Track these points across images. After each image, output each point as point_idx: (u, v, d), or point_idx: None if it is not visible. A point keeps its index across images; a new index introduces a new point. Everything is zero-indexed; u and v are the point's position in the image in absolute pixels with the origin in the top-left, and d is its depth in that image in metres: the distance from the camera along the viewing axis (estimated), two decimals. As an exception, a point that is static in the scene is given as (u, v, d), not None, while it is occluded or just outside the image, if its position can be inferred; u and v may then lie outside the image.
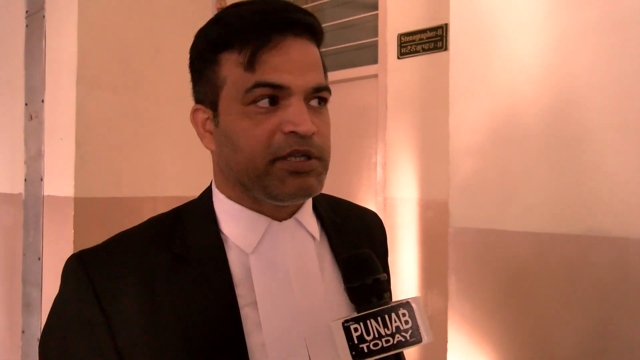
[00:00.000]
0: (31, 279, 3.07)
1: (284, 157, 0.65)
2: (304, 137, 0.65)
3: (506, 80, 1.35)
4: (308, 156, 0.66)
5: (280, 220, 0.72)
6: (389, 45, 2.68)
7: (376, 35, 2.77)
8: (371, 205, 2.56)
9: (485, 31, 1.40)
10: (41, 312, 2.99)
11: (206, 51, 0.71)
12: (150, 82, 2.95)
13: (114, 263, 0.68)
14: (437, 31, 2.46)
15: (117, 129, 2.82)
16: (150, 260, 0.68)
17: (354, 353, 0.57)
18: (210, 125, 0.73)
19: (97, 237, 2.72)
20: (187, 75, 2.74)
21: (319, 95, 0.69)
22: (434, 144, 2.42)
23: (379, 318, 0.59)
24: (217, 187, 0.75)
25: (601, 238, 1.17)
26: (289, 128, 0.65)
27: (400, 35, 2.63)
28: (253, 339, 0.66)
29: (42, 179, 2.98)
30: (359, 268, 0.64)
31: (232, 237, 0.71)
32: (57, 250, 2.86)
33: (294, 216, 0.74)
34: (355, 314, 0.60)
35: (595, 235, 1.18)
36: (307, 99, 0.67)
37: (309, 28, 0.69)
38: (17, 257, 3.28)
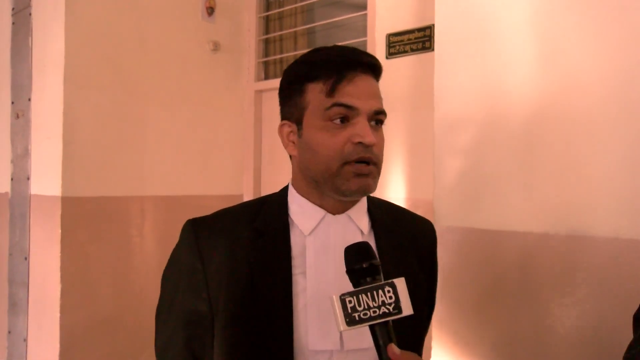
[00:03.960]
0: (17, 279, 3.05)
1: (351, 162, 0.87)
2: (367, 147, 0.87)
3: (491, 81, 1.36)
4: (368, 162, 0.88)
5: (334, 214, 0.94)
6: (377, 45, 2.69)
7: (365, 35, 2.78)
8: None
9: (470, 32, 1.40)
10: (27, 312, 2.96)
11: (295, 82, 0.93)
12: (137, 81, 2.94)
13: (212, 230, 0.95)
14: (425, 31, 2.47)
15: (105, 128, 2.80)
16: (237, 231, 0.94)
17: (347, 320, 0.74)
18: (293, 137, 0.94)
19: (84, 236, 2.70)
20: (174, 74, 2.76)
21: (378, 117, 0.91)
22: (423, 143, 2.43)
23: (369, 293, 0.75)
24: (293, 185, 0.98)
25: (584, 237, 1.18)
26: (357, 139, 0.86)
27: (389, 35, 2.64)
28: (298, 300, 0.89)
29: (28, 178, 2.96)
30: (358, 254, 0.80)
31: (296, 221, 0.94)
32: (44, 249, 2.83)
33: (346, 212, 0.94)
34: (351, 290, 0.75)
35: (578, 235, 1.19)
36: (370, 119, 0.89)
37: (372, 67, 0.92)
38: (3, 256, 3.25)
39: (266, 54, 3.39)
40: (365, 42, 2.77)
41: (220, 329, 0.91)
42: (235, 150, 3.33)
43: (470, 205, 1.37)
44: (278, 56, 3.31)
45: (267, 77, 3.37)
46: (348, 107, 0.87)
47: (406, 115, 2.52)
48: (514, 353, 1.27)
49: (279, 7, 3.31)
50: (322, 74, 0.89)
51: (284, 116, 0.97)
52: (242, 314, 0.90)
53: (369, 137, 0.86)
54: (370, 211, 1.00)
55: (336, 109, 0.87)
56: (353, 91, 0.88)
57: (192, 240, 0.95)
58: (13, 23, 3.07)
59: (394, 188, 2.59)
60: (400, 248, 0.98)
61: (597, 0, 1.19)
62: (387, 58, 2.65)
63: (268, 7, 3.39)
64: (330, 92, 0.88)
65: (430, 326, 1.22)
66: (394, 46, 2.62)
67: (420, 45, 2.51)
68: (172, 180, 3.05)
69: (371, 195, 1.02)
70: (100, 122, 2.78)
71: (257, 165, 3.30)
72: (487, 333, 1.33)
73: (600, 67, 1.19)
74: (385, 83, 2.87)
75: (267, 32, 3.39)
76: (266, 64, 3.39)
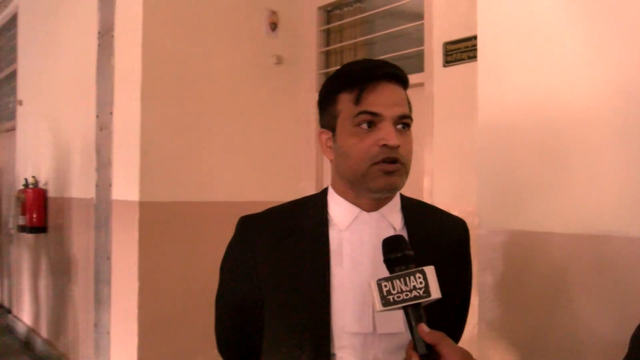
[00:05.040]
0: (101, 278, 3.33)
1: (378, 162, 0.96)
2: (392, 148, 0.96)
3: (532, 87, 1.39)
4: (394, 161, 0.97)
5: (368, 211, 1.04)
6: (434, 53, 2.73)
7: (422, 44, 2.82)
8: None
9: (512, 40, 1.44)
10: (110, 307, 3.23)
11: (329, 94, 1.04)
12: (205, 95, 3.14)
13: (261, 225, 1.08)
14: (480, 39, 2.49)
15: (176, 139, 3.02)
16: (282, 226, 1.06)
17: (383, 301, 0.84)
18: (330, 142, 1.05)
19: (159, 237, 2.94)
20: (239, 88, 2.98)
21: (403, 121, 1.00)
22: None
23: (402, 279, 0.85)
24: (332, 186, 1.09)
25: (629, 239, 1.19)
26: (382, 142, 0.96)
27: (446, 44, 2.67)
28: (335, 288, 1.00)
29: (110, 185, 3.23)
30: (394, 245, 0.90)
31: (334, 218, 1.05)
32: (124, 250, 3.09)
33: (379, 210, 1.04)
34: (386, 276, 0.86)
35: (622, 237, 1.20)
36: (395, 124, 0.98)
37: (396, 77, 1.01)
38: (90, 257, 3.56)
39: (327, 65, 3.50)
40: (422, 52, 2.82)
41: (267, 313, 1.04)
42: (296, 159, 3.47)
43: (512, 209, 1.40)
44: (339, 67, 3.42)
45: (328, 88, 3.48)
46: (373, 113, 0.97)
47: (464, 123, 2.54)
48: (553, 354, 1.29)
49: (339, 20, 3.42)
50: (350, 85, 1.00)
51: (322, 125, 1.08)
52: (287, 301, 1.01)
53: (393, 140, 0.96)
54: (403, 209, 1.09)
55: (362, 116, 0.98)
56: (377, 99, 0.98)
57: (243, 235, 1.08)
58: (99, 45, 3.39)
59: (453, 196, 2.61)
60: (431, 243, 1.05)
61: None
62: (444, 66, 2.68)
63: (329, 20, 3.51)
64: (357, 101, 0.98)
65: (473, 326, 1.27)
66: (451, 54, 2.66)
67: (476, 53, 2.52)
68: (237, 187, 3.23)
69: (406, 195, 1.12)
70: (172, 133, 3.01)
71: (318, 172, 3.41)
72: (533, 336, 1.35)
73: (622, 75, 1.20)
74: (442, 91, 2.90)
75: (327, 44, 3.51)
76: (327, 75, 3.50)
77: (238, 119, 3.28)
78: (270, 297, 1.03)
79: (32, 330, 4.82)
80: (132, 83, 2.99)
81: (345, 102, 1.00)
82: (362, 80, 0.98)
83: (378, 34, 3.18)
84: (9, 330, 5.34)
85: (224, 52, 3.23)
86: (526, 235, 1.36)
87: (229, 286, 1.11)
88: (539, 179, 1.35)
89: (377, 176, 0.97)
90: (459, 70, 2.60)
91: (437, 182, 2.69)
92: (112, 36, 3.22)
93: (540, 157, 1.36)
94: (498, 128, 1.43)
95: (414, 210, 1.10)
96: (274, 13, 3.43)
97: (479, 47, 1.58)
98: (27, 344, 4.86)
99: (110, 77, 3.24)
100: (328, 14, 3.52)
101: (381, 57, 3.12)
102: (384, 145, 0.96)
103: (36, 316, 4.77)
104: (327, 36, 3.53)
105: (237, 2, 3.28)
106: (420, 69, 2.84)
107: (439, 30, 2.71)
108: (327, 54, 3.51)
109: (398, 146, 0.96)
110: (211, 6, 3.17)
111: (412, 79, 2.84)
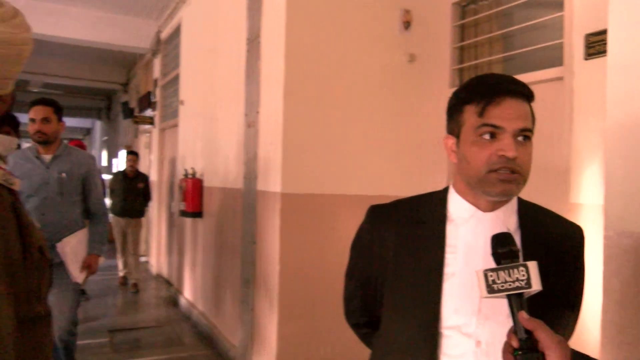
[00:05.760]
0: (248, 259, 3.72)
1: (495, 170, 1.05)
2: (510, 159, 1.04)
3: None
4: (512, 171, 1.05)
5: (485, 211, 1.14)
6: (575, 46, 2.61)
7: (561, 36, 2.71)
8: (555, 210, 2.53)
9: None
10: (254, 286, 3.59)
11: (456, 104, 1.15)
12: (341, 93, 3.34)
13: (387, 214, 1.24)
14: (626, 30, 2.34)
15: (315, 135, 3.26)
16: (405, 216, 1.21)
17: (488, 289, 0.94)
18: (454, 147, 1.16)
19: (298, 225, 3.25)
20: (373, 87, 3.19)
21: (523, 133, 1.08)
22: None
23: (506, 271, 0.93)
24: (453, 185, 1.20)
25: None
26: (501, 153, 1.05)
27: (588, 36, 2.54)
28: (448, 275, 1.11)
29: (256, 177, 3.59)
30: (501, 241, 0.98)
31: (452, 214, 1.17)
32: (267, 236, 3.42)
33: (495, 211, 1.14)
34: (492, 267, 0.95)
35: None
36: (515, 136, 1.06)
37: (519, 93, 1.09)
38: (238, 240, 3.98)
39: (461, 61, 3.50)
40: (561, 44, 2.71)
41: (387, 289, 1.20)
42: (428, 155, 3.52)
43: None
44: (473, 62, 3.40)
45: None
46: (494, 126, 1.07)
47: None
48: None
49: (474, 15, 3.40)
50: (476, 98, 1.10)
51: (448, 131, 1.19)
52: (404, 280, 1.16)
53: (511, 152, 1.04)
54: (519, 212, 1.17)
55: (485, 128, 1.07)
56: (500, 113, 1.07)
57: (371, 221, 1.26)
58: (247, 50, 3.76)
59: (591, 195, 2.50)
60: (544, 246, 1.12)
61: None
62: (585, 59, 2.56)
63: (463, 15, 3.50)
64: (481, 114, 1.08)
65: (596, 329, 1.27)
66: (592, 46, 2.52)
67: (622, 44, 2.37)
68: (370, 182, 3.39)
69: (524, 199, 1.19)
70: (311, 130, 3.25)
71: (450, 169, 3.44)
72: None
73: None
74: (582, 85, 2.77)
75: (461, 40, 3.50)
76: (461, 70, 3.49)
77: (372, 116, 3.43)
78: (391, 276, 1.18)
79: (190, 303, 5.50)
80: (276, 84, 3.29)
81: (470, 113, 1.11)
82: (487, 95, 1.08)
83: (515, 27, 3.10)
84: (174, 302, 6.13)
85: (360, 52, 3.39)
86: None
87: (357, 264, 1.30)
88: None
89: (494, 183, 1.06)
90: (601, 63, 2.46)
91: (574, 180, 2.58)
92: (259, 42, 3.56)
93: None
94: (627, 127, 1.40)
95: (530, 213, 1.18)
96: (407, 12, 3.51)
97: (608, 42, 1.54)
98: (187, 316, 5.55)
99: (257, 79, 3.58)
100: (462, 9, 3.51)
101: (518, 50, 3.06)
102: (503, 155, 1.05)
103: (193, 291, 5.43)
104: (462, 32, 3.52)
105: (372, 5, 3.42)
106: (559, 62, 2.73)
107: (580, 21, 2.58)
108: (461, 49, 3.50)
109: (516, 157, 1.05)
110: (348, 10, 3.36)
111: (550, 73, 2.79)
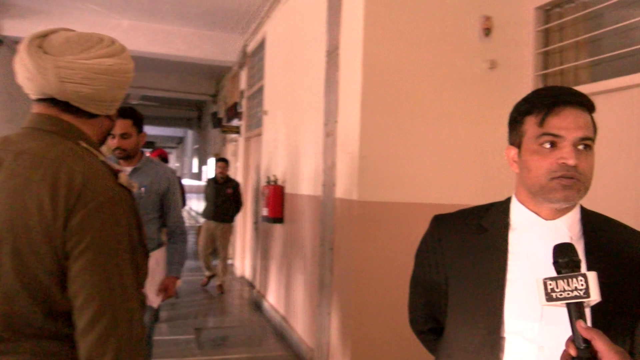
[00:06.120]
0: (325, 264, 3.81)
1: (556, 177, 1.08)
2: (570, 167, 1.08)
3: None
4: (571, 178, 1.08)
5: (547, 220, 1.17)
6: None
7: (655, 38, 2.56)
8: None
9: None
10: (331, 291, 3.67)
11: (518, 115, 1.19)
12: (417, 102, 3.35)
13: (450, 223, 1.29)
14: None
15: (393, 145, 3.29)
16: (468, 225, 1.26)
17: (547, 297, 0.96)
18: (516, 157, 1.20)
19: (374, 233, 3.29)
20: (452, 95, 3.22)
21: (584, 142, 1.11)
22: None
23: (565, 280, 0.95)
24: (515, 195, 1.24)
25: None
26: (561, 160, 1.09)
27: (684, 37, 2.39)
28: (510, 281, 1.14)
29: (334, 185, 3.67)
30: (563, 251, 0.99)
31: (515, 222, 1.20)
32: (344, 243, 3.49)
33: (557, 219, 1.16)
34: (552, 276, 0.97)
35: None
36: (575, 145, 1.09)
37: (578, 103, 1.12)
38: (316, 246, 4.09)
39: (545, 66, 3.39)
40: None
41: (451, 296, 1.23)
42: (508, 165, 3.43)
43: None
44: (558, 68, 3.28)
45: (545, 90, 3.35)
46: (555, 135, 1.10)
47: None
48: None
49: (559, 19, 3.28)
50: (536, 109, 1.14)
51: (510, 142, 1.22)
52: (467, 287, 1.19)
53: (571, 160, 1.07)
54: (583, 221, 1.18)
55: (545, 137, 1.11)
56: (560, 123, 1.10)
57: (435, 230, 1.31)
58: (327, 62, 3.87)
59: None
60: (609, 256, 1.12)
61: None
62: (681, 62, 2.40)
63: (547, 19, 3.39)
64: (541, 123, 1.12)
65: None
66: (690, 48, 2.36)
67: None
68: (448, 190, 3.36)
69: (588, 209, 1.19)
70: (387, 139, 3.29)
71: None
72: None
73: None
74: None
75: (546, 44, 3.39)
76: (545, 76, 3.38)
77: (451, 124, 3.40)
78: (454, 283, 1.22)
79: (270, 305, 5.69)
80: (354, 94, 3.36)
81: (530, 124, 1.15)
82: (547, 105, 1.11)
83: (604, 29, 2.96)
84: (256, 304, 6.37)
85: (438, 61, 3.39)
86: None
87: (421, 271, 1.34)
88: None
89: (555, 189, 1.09)
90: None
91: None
92: (338, 54, 3.66)
93: None
94: None
95: (594, 223, 1.18)
96: (488, 18, 3.46)
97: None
98: (267, 317, 5.75)
99: (335, 90, 3.68)
100: (546, 13, 3.40)
101: (607, 54, 2.91)
102: (563, 163, 1.08)
103: (273, 293, 5.62)
104: (545, 36, 3.41)
105: (451, 13, 3.41)
106: (651, 65, 2.58)
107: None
108: (545, 54, 3.39)
109: (576, 165, 1.07)
110: (426, 20, 3.37)
111: (642, 77, 2.63)
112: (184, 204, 7.22)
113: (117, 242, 1.09)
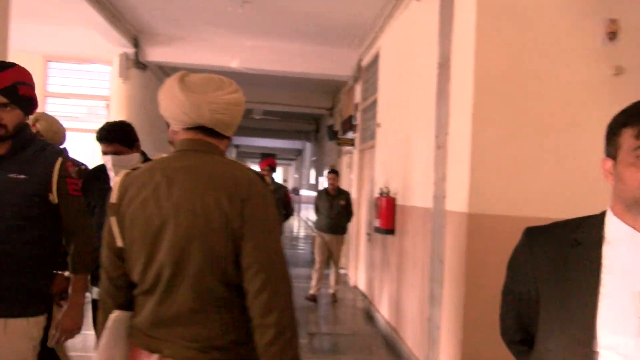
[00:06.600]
0: (435, 277, 3.79)
1: None
2: None
3: None
4: None
5: None
6: None
7: None
8: None
9: None
10: (441, 304, 3.65)
11: (615, 127, 1.17)
12: (535, 112, 3.23)
13: (543, 235, 1.27)
14: None
15: (504, 156, 3.21)
16: (561, 238, 1.23)
17: None
18: (611, 170, 1.18)
19: (485, 247, 3.22)
20: (571, 104, 3.14)
21: None
22: None
23: None
24: (611, 208, 1.22)
25: None
26: None
27: None
28: (604, 294, 1.12)
29: (444, 197, 3.66)
30: None
31: (609, 235, 1.17)
32: (454, 255, 3.46)
33: None
34: None
35: None
36: None
37: None
38: (426, 258, 4.09)
39: (681, 70, 3.10)
40: None
41: (542, 308, 1.23)
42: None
43: None
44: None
45: (681, 95, 3.07)
46: None
47: None
48: None
49: (698, 17, 2.99)
50: (633, 121, 1.12)
51: (606, 153, 1.21)
52: (559, 300, 1.18)
53: None
54: None
55: None
56: None
57: (526, 242, 1.30)
58: (438, 74, 3.88)
59: None
60: None
61: None
62: None
63: (684, 19, 3.10)
64: (638, 136, 1.10)
65: None
66: None
67: None
68: (567, 205, 3.17)
69: None
70: (500, 151, 3.22)
71: None
72: None
73: None
74: None
75: (682, 46, 3.10)
76: (681, 80, 3.10)
77: (571, 135, 3.24)
78: (546, 295, 1.22)
79: (382, 316, 5.74)
80: (465, 106, 3.34)
81: (627, 136, 1.13)
82: None
83: None
84: (367, 313, 6.46)
85: (556, 69, 3.25)
86: None
87: (512, 282, 1.35)
88: None
89: None
90: None
91: None
92: (449, 66, 3.65)
93: None
94: None
95: None
96: (613, 22, 3.25)
97: None
98: (378, 327, 5.81)
99: (447, 102, 3.68)
100: (684, 12, 3.12)
101: None
102: None
103: (384, 304, 5.66)
104: (682, 37, 3.12)
105: (570, 18, 3.26)
106: None
107: None
108: (682, 57, 3.11)
109: None
110: (542, 26, 3.26)
111: None
112: (291, 213, 7.44)
113: (276, 225, 1.46)
